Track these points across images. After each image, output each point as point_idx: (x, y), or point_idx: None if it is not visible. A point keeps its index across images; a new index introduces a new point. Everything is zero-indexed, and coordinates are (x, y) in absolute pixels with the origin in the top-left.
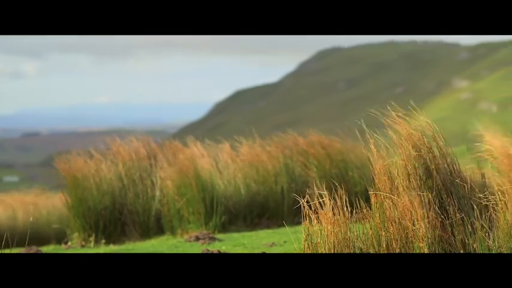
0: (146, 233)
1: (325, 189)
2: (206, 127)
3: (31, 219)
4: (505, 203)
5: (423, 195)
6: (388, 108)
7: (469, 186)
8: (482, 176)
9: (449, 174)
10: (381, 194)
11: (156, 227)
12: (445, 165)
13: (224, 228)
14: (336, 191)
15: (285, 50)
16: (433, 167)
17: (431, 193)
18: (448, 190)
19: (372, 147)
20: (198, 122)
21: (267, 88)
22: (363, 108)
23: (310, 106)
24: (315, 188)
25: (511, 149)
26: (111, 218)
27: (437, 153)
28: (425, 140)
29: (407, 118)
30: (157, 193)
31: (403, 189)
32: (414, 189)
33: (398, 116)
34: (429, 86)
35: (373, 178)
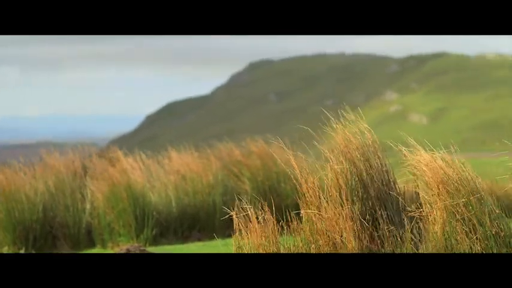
0: (77, 246)
1: (257, 201)
2: (138, 139)
3: None
4: (433, 215)
5: (349, 208)
6: (321, 121)
7: (401, 198)
8: (414, 188)
9: (384, 185)
10: (310, 207)
11: (87, 240)
12: (381, 176)
13: (155, 241)
14: (268, 203)
15: (215, 62)
16: (368, 178)
17: (364, 205)
18: (381, 202)
19: (301, 160)
20: (130, 135)
21: (199, 100)
22: (294, 121)
23: (242, 118)
24: (249, 200)
25: (439, 161)
26: (42, 231)
27: (374, 164)
28: (363, 150)
29: (346, 126)
30: (88, 206)
31: (331, 202)
32: (344, 201)
33: (333, 126)
34: (359, 98)
35: (299, 190)
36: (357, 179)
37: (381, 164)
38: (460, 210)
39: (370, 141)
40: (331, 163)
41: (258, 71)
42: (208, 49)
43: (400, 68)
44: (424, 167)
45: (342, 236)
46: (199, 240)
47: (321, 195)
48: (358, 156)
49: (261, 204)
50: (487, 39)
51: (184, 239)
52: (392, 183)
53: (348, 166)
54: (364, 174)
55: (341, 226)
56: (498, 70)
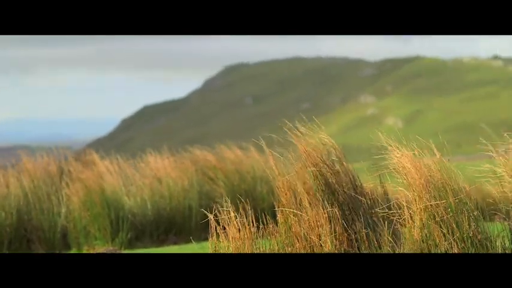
0: (52, 250)
1: (233, 204)
2: (113, 143)
3: None
4: (410, 217)
5: (330, 210)
6: (295, 124)
7: (372, 201)
8: (387, 190)
9: (351, 189)
10: (286, 210)
11: (62, 244)
12: (347, 181)
13: (131, 244)
14: (243, 206)
15: (190, 66)
16: (335, 182)
17: (340, 207)
18: (351, 205)
19: (277, 163)
20: (105, 138)
21: (174, 104)
22: (269, 124)
23: (217, 122)
24: (223, 204)
25: (415, 164)
26: (16, 235)
27: (339, 169)
28: (327, 156)
29: (309, 134)
30: (63, 209)
31: (309, 205)
32: (320, 204)
33: (300, 132)
34: (335, 102)
35: (278, 194)
36: (329, 182)
37: (347, 168)
38: (439, 212)
39: (333, 149)
40: (306, 166)
41: (233, 74)
42: (182, 53)
43: (376, 71)
44: (405, 167)
45: (320, 239)
46: (175, 243)
47: (298, 197)
48: (326, 160)
49: (237, 207)
50: (462, 42)
51: (160, 242)
52: (360, 187)
53: (321, 169)
54: (332, 178)
55: (319, 229)
56: (473, 73)
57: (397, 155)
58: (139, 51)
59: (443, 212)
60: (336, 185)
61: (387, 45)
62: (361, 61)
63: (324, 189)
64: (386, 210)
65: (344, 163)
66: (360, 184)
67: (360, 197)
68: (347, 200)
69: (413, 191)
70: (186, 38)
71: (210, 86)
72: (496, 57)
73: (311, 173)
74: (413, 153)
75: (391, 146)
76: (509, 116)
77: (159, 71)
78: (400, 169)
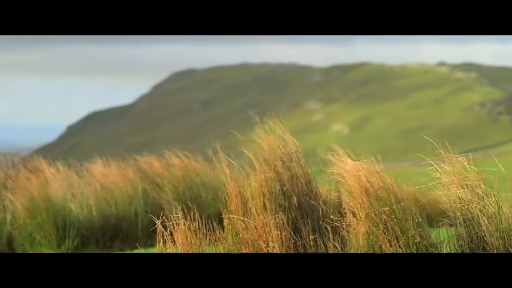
0: None
1: (179, 211)
2: (59, 149)
3: None
4: (357, 224)
5: (278, 216)
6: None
7: (323, 207)
8: (337, 197)
9: (306, 195)
10: (233, 216)
11: (8, 250)
12: (303, 186)
13: (77, 251)
14: (190, 213)
15: (137, 72)
16: (291, 186)
17: (286, 214)
18: (304, 211)
19: (226, 169)
20: (51, 145)
21: (121, 110)
22: (217, 130)
23: (165, 128)
24: (171, 210)
25: (363, 169)
26: None
27: (297, 173)
28: (286, 158)
29: (267, 136)
30: (9, 217)
31: (256, 211)
32: (269, 210)
33: (257, 135)
34: (282, 108)
35: (226, 200)
36: (279, 187)
37: (303, 173)
38: (383, 219)
39: (293, 150)
40: (256, 171)
41: (181, 80)
42: (129, 59)
43: (323, 77)
44: (348, 174)
45: (267, 245)
46: (121, 250)
47: (247, 203)
48: (281, 164)
49: (184, 214)
50: (409, 48)
51: (106, 249)
52: (315, 192)
53: (272, 174)
54: (287, 183)
55: (267, 235)
56: (420, 79)
57: (341, 162)
58: (86, 56)
59: (388, 219)
60: (291, 190)
61: (335, 51)
62: (308, 67)
63: (277, 193)
64: (333, 217)
65: (304, 166)
66: (315, 189)
67: (313, 202)
68: (300, 205)
69: (357, 198)
70: (134, 43)
71: (158, 92)
72: (442, 64)
73: (265, 178)
74: (357, 160)
75: (336, 153)
76: (455, 121)
77: (107, 77)
78: (344, 176)
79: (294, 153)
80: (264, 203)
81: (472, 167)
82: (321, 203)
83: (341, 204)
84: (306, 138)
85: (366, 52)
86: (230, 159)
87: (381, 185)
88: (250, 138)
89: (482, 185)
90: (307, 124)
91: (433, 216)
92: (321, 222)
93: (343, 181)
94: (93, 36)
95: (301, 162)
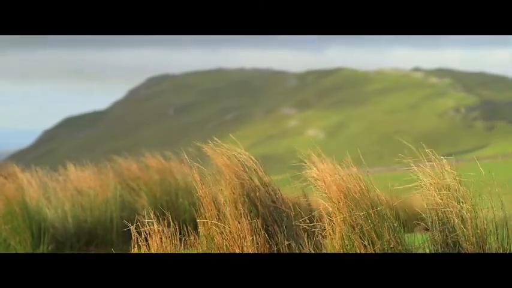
0: None
1: (155, 216)
2: (35, 155)
3: None
4: (332, 229)
5: (253, 222)
6: (214, 137)
7: (293, 212)
8: (311, 202)
9: (271, 201)
10: (208, 221)
11: None
12: (267, 193)
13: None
14: (165, 218)
15: (112, 77)
16: (257, 195)
17: (261, 220)
18: (273, 217)
19: (197, 175)
20: (27, 150)
21: (97, 115)
22: (193, 135)
23: (141, 132)
24: (146, 215)
25: (334, 176)
26: None
27: (258, 182)
28: (246, 169)
29: (227, 148)
30: None
31: (231, 216)
32: (242, 216)
33: (219, 146)
34: (258, 113)
35: (200, 205)
36: (247, 195)
37: (266, 181)
38: (359, 223)
39: (252, 161)
40: (227, 178)
41: (156, 85)
42: (103, 64)
43: (298, 82)
44: (327, 178)
45: (242, 251)
46: None
47: (221, 208)
48: (246, 172)
49: (159, 219)
50: (384, 53)
51: None
52: (281, 199)
53: (238, 182)
54: (253, 191)
55: (242, 240)
56: (395, 84)
57: (317, 167)
58: (60, 61)
59: (363, 224)
60: (255, 198)
61: (308, 56)
62: (284, 72)
63: (246, 201)
64: (308, 222)
65: (262, 176)
66: (280, 196)
67: (283, 209)
68: (267, 213)
69: (333, 202)
70: (108, 48)
71: (134, 97)
72: (416, 69)
73: (235, 185)
74: (333, 165)
75: (311, 158)
76: (430, 126)
77: (81, 82)
78: (320, 181)
79: (252, 170)
80: (238, 208)
81: (451, 170)
82: (292, 207)
83: (314, 209)
84: (281, 143)
85: (338, 57)
86: (201, 166)
87: (358, 189)
88: (216, 148)
89: (461, 189)
90: (282, 129)
91: (409, 221)
92: (295, 228)
93: (323, 185)
94: (65, 41)
95: (259, 172)
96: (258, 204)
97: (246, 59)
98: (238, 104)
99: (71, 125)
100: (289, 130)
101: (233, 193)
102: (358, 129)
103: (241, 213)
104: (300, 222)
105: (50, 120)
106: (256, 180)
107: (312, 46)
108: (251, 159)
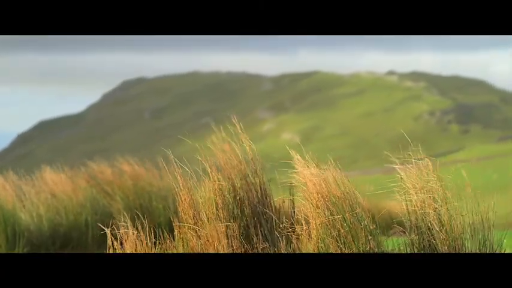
0: None
1: (129, 220)
2: (9, 158)
3: None
4: (308, 232)
5: (229, 225)
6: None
7: (276, 215)
8: (294, 205)
9: (259, 203)
10: (185, 225)
11: None
12: (257, 194)
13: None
14: (140, 222)
15: (87, 80)
16: (246, 196)
17: (238, 223)
18: (257, 220)
19: (179, 177)
20: (1, 153)
21: (72, 119)
22: (169, 138)
23: (116, 136)
24: (120, 219)
25: (312, 179)
26: None
27: (252, 181)
28: (242, 166)
29: (222, 144)
30: None
31: (208, 220)
32: (221, 219)
33: (212, 142)
34: (234, 117)
35: (177, 209)
36: (233, 196)
37: (259, 181)
38: (336, 226)
39: (250, 158)
40: (209, 179)
41: (131, 88)
42: (76, 67)
43: (273, 86)
44: (307, 181)
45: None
46: None
47: (199, 211)
48: (236, 173)
49: (134, 222)
50: (359, 56)
51: None
52: (268, 200)
53: (225, 183)
54: (241, 191)
55: (216, 244)
56: (369, 88)
57: (296, 170)
58: (31, 65)
59: (340, 227)
60: (245, 198)
61: (284, 60)
62: (258, 76)
63: (229, 202)
64: (285, 225)
65: (259, 174)
66: (269, 198)
67: (267, 211)
68: (253, 214)
69: (311, 206)
70: (80, 52)
71: (108, 101)
72: (391, 73)
73: (218, 187)
74: (311, 169)
75: (291, 160)
76: (405, 130)
77: (53, 86)
78: (299, 184)
79: (251, 161)
80: (216, 211)
81: (432, 172)
82: (274, 211)
83: (295, 212)
84: (257, 147)
85: (311, 61)
86: (183, 166)
87: (337, 192)
88: (204, 145)
89: (440, 191)
90: (257, 133)
91: (386, 225)
92: (273, 231)
93: (303, 188)
94: (36, 43)
95: (257, 170)
96: (245, 205)
97: (221, 63)
98: (214, 108)
99: (46, 129)
100: (264, 134)
101: (215, 195)
102: (334, 133)
103: (219, 216)
104: (278, 225)
105: (24, 123)
106: (248, 179)
107: (284, 49)
108: (254, 154)
